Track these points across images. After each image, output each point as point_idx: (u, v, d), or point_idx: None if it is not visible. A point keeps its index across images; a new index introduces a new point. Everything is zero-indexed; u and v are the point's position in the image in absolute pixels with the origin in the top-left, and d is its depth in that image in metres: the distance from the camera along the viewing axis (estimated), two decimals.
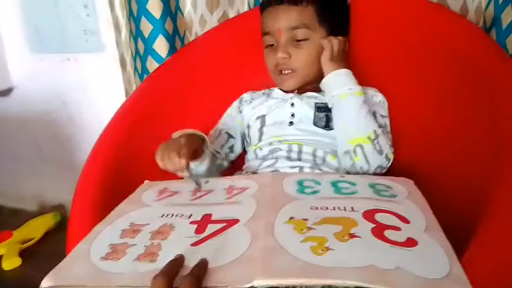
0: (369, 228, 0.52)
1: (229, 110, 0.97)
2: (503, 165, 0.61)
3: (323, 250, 0.47)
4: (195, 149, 0.76)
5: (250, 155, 0.90)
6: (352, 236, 0.50)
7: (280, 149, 0.83)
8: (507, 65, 0.73)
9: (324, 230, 0.52)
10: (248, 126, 0.92)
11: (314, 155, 0.82)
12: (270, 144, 0.85)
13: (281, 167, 0.81)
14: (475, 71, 0.76)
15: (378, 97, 0.87)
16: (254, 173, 0.83)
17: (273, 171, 0.80)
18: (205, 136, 0.80)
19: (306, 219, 0.55)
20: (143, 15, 1.06)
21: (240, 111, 0.95)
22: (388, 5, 0.92)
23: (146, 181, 0.78)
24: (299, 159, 0.82)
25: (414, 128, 0.86)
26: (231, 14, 1.13)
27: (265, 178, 0.72)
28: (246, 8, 1.11)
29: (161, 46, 1.08)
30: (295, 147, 0.83)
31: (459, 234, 0.55)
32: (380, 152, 0.78)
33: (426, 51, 0.85)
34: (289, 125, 0.86)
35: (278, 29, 0.84)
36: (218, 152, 0.91)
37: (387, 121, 0.86)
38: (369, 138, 0.78)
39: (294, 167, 0.79)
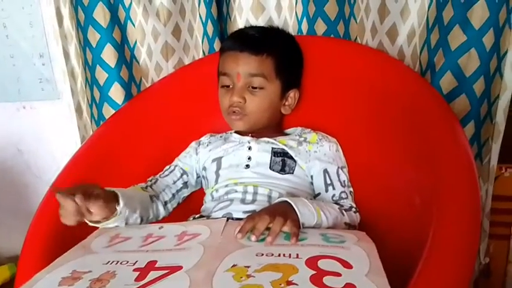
0: (308, 276, 0.53)
1: (187, 149, 0.98)
2: (438, 207, 0.64)
3: None
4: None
5: (207, 197, 0.90)
6: (289, 283, 0.51)
7: (236, 191, 0.84)
8: (440, 105, 0.78)
9: (263, 278, 0.52)
10: (204, 169, 0.93)
11: (270, 197, 0.83)
12: (226, 186, 0.86)
13: (234, 210, 0.81)
14: (412, 113, 0.80)
15: (333, 146, 0.91)
16: (208, 216, 0.84)
17: (226, 214, 0.81)
18: (118, 194, 0.76)
19: (248, 267, 0.56)
20: (98, 63, 1.08)
21: (197, 153, 0.96)
22: (333, 52, 0.97)
23: (100, 227, 0.76)
24: (254, 200, 0.83)
25: (360, 171, 0.89)
26: (186, 61, 1.16)
27: (219, 225, 0.73)
28: (201, 55, 1.14)
29: (116, 93, 1.10)
30: (250, 189, 0.84)
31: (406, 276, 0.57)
32: (353, 221, 0.82)
33: (369, 95, 0.89)
34: (246, 168, 0.87)
35: (237, 73, 0.87)
36: (169, 187, 0.91)
37: (345, 171, 0.89)
38: (345, 223, 0.80)
39: (248, 211, 0.80)
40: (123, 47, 1.10)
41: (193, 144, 0.98)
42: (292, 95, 0.92)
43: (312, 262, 0.56)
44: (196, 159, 0.95)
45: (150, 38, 1.11)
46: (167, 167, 0.95)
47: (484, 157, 0.93)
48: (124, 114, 1.03)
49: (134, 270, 0.58)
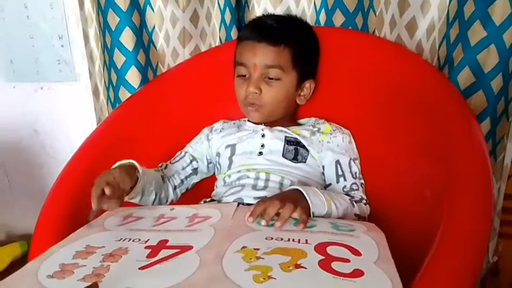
0: (317, 260, 0.54)
1: (198, 136, 0.99)
2: (450, 202, 0.64)
3: (264, 279, 0.49)
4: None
5: (219, 182, 0.92)
6: (298, 266, 0.52)
7: (248, 177, 0.85)
8: (457, 101, 0.77)
9: (272, 260, 0.53)
10: (218, 154, 0.94)
11: (281, 184, 0.84)
12: (239, 172, 0.87)
13: (245, 195, 0.82)
14: (429, 108, 0.79)
15: (346, 138, 0.91)
16: (219, 200, 0.85)
17: (237, 199, 0.82)
18: (138, 167, 0.80)
19: (257, 249, 0.57)
20: (117, 47, 1.09)
21: (209, 139, 0.97)
22: (352, 44, 0.97)
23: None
24: (266, 187, 0.83)
25: (372, 164, 0.89)
26: (203, 48, 1.16)
27: (230, 209, 0.74)
28: (217, 43, 1.14)
29: (133, 77, 1.10)
30: (263, 175, 0.85)
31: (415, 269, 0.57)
32: (363, 212, 0.82)
33: (385, 89, 0.89)
34: (259, 155, 0.88)
35: (254, 64, 0.87)
36: (178, 173, 0.93)
37: (357, 163, 0.89)
38: (355, 214, 0.80)
39: (258, 197, 0.80)
40: (141, 31, 1.10)
41: (205, 130, 0.99)
42: (308, 85, 0.93)
43: (321, 248, 0.57)
44: (207, 145, 0.96)
45: (168, 24, 1.11)
46: (179, 153, 0.96)
47: (498, 155, 0.93)
48: (140, 98, 1.04)
49: (146, 247, 0.60)
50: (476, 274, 0.58)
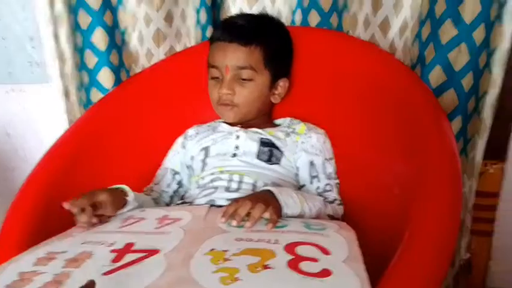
0: (285, 260, 0.53)
1: (173, 146, 0.98)
2: (419, 199, 0.64)
3: (231, 280, 0.48)
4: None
5: (192, 185, 0.91)
6: (266, 267, 0.51)
7: (221, 179, 0.85)
8: (429, 100, 0.78)
9: (240, 261, 0.53)
10: (192, 158, 0.93)
11: (255, 186, 0.83)
12: (212, 174, 0.86)
13: (218, 198, 0.81)
14: (401, 107, 0.80)
15: (321, 138, 0.90)
16: (191, 202, 0.84)
17: (209, 201, 0.81)
18: (127, 190, 0.78)
19: (226, 251, 0.56)
20: (88, 47, 1.07)
21: (184, 147, 0.96)
22: (325, 43, 0.97)
23: None
24: (239, 189, 0.83)
25: (347, 163, 0.89)
26: (178, 48, 1.15)
27: (201, 211, 0.73)
28: (193, 43, 1.13)
29: (105, 78, 1.08)
30: (236, 177, 0.84)
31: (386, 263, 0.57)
32: (336, 214, 0.82)
33: (359, 88, 0.89)
34: (232, 157, 0.87)
35: (226, 66, 0.86)
36: (165, 192, 0.93)
37: (332, 163, 0.89)
38: (328, 215, 0.81)
39: (231, 199, 0.79)
40: (114, 31, 1.09)
41: (179, 139, 0.98)
42: (282, 84, 0.92)
43: (290, 248, 0.57)
44: (183, 153, 0.95)
45: (142, 24, 1.10)
46: (159, 171, 0.95)
47: (470, 152, 0.94)
48: (112, 99, 1.02)
49: (112, 251, 0.58)
50: (444, 273, 0.59)
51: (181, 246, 0.59)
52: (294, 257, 0.54)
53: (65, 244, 0.63)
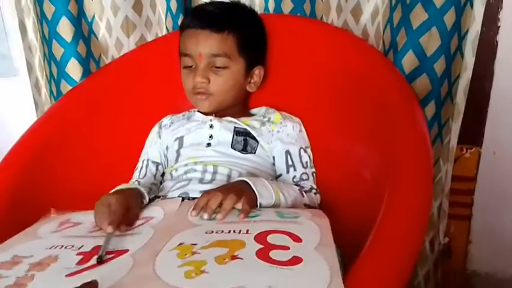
0: (255, 250, 0.52)
1: (149, 137, 0.95)
2: (391, 186, 0.63)
3: (196, 274, 0.47)
4: (125, 211, 0.68)
5: (166, 176, 0.89)
6: (234, 257, 0.50)
7: (195, 170, 0.83)
8: (401, 86, 0.77)
9: (208, 254, 0.52)
10: (167, 148, 0.91)
11: (229, 176, 0.82)
12: (186, 165, 0.85)
13: (192, 189, 0.80)
14: (374, 93, 0.79)
15: (297, 127, 0.89)
16: (165, 196, 0.82)
17: (182, 193, 0.79)
18: (140, 189, 0.76)
19: (194, 244, 0.55)
20: (54, 38, 1.03)
21: (159, 136, 0.94)
22: (299, 31, 0.95)
23: (52, 209, 0.76)
24: (213, 180, 0.81)
25: (322, 151, 0.89)
26: (149, 38, 1.12)
27: (173, 205, 0.72)
28: (164, 32, 1.10)
29: (74, 69, 1.05)
30: (210, 168, 0.82)
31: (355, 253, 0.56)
32: (312, 202, 0.81)
33: (333, 75, 0.88)
34: (207, 147, 0.86)
35: (199, 53, 0.84)
36: (154, 184, 0.90)
37: (309, 151, 0.88)
38: (304, 204, 0.79)
39: (205, 191, 0.78)
40: (80, 20, 1.05)
41: (155, 128, 0.95)
42: (257, 72, 0.91)
43: (261, 237, 0.56)
44: (159, 143, 0.93)
45: (109, 12, 1.06)
46: (139, 165, 0.93)
47: (445, 137, 0.94)
48: (81, 91, 0.99)
49: (78, 254, 0.57)
50: (413, 261, 0.58)
51: (148, 244, 0.58)
52: (264, 246, 0.53)
53: (32, 247, 0.61)
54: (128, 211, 0.69)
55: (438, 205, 0.99)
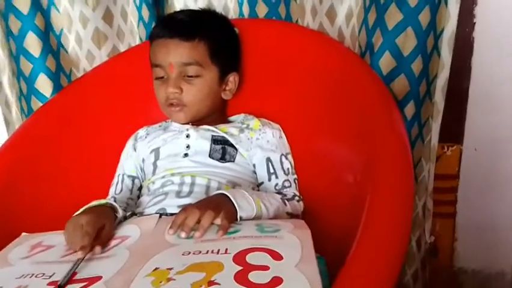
0: (233, 273, 0.50)
1: (124, 150, 0.93)
2: (372, 188, 0.62)
3: None
4: (98, 231, 0.66)
5: (143, 190, 0.87)
6: (211, 283, 0.48)
7: (172, 182, 0.81)
8: (376, 86, 0.76)
9: (184, 280, 0.49)
10: (143, 161, 0.89)
11: (208, 187, 0.80)
12: (163, 177, 0.82)
13: (169, 205, 0.77)
14: (351, 96, 0.79)
15: (277, 133, 0.87)
16: (142, 212, 0.79)
17: (160, 209, 0.77)
18: (113, 204, 0.73)
19: (170, 269, 0.52)
20: (22, 54, 1.00)
21: (135, 149, 0.91)
22: (274, 35, 0.94)
23: (23, 234, 0.73)
24: (191, 192, 0.79)
25: (303, 156, 0.87)
26: (122, 48, 1.09)
27: (150, 223, 0.69)
28: (137, 41, 1.07)
29: (44, 85, 1.02)
30: (188, 179, 0.80)
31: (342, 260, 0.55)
32: (295, 210, 0.79)
33: (310, 78, 0.87)
34: (184, 157, 0.83)
35: (170, 63, 0.82)
36: (131, 199, 0.87)
37: (290, 158, 0.87)
38: (287, 213, 0.78)
39: (183, 205, 0.74)
40: (48, 34, 1.02)
41: (130, 141, 0.93)
42: (232, 79, 0.88)
43: (240, 257, 0.54)
44: (135, 156, 0.90)
45: (78, 25, 1.03)
46: (115, 180, 0.90)
47: (425, 137, 0.93)
48: (52, 107, 0.96)
49: (49, 284, 0.54)
50: (401, 257, 0.57)
51: (123, 269, 0.55)
52: (242, 267, 0.51)
53: (1, 277, 0.58)
54: (102, 230, 0.66)
55: (422, 204, 0.98)
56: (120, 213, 0.73)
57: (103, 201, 0.73)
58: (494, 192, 1.02)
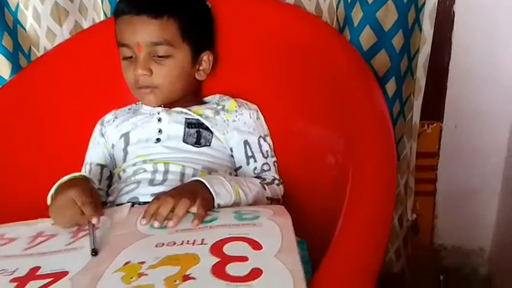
0: (210, 266, 0.47)
1: (92, 137, 0.87)
2: (352, 165, 0.60)
3: None
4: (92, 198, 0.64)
5: (114, 178, 0.82)
6: (186, 278, 0.45)
7: (145, 170, 0.76)
8: (355, 62, 0.73)
9: (157, 275, 0.46)
10: (113, 146, 0.84)
11: (183, 174, 0.75)
12: (134, 165, 0.78)
13: (142, 193, 0.73)
14: (330, 73, 0.75)
15: (254, 114, 0.84)
16: (113, 201, 0.75)
17: (132, 198, 0.73)
18: (87, 176, 0.70)
19: (142, 262, 0.49)
20: None
21: (102, 134, 0.86)
22: (248, 11, 0.89)
23: None
24: (164, 180, 0.74)
25: (281, 137, 0.84)
26: (85, 25, 1.02)
27: (121, 213, 0.65)
28: (102, 17, 1.00)
29: (1, 66, 0.95)
30: (161, 167, 0.76)
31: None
32: (275, 194, 0.77)
33: (288, 55, 0.83)
34: (156, 142, 0.79)
35: (137, 43, 0.76)
36: (100, 189, 0.82)
37: (268, 140, 0.83)
38: (267, 197, 0.74)
39: (156, 194, 0.71)
40: (2, 10, 0.94)
41: (97, 126, 0.87)
42: (206, 58, 0.83)
43: (217, 248, 0.50)
44: (103, 142, 0.85)
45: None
46: (83, 168, 0.85)
47: (407, 114, 0.91)
48: (11, 89, 0.90)
49: (12, 280, 0.51)
50: (384, 243, 0.57)
51: (90, 265, 0.52)
52: (220, 259, 0.48)
53: None
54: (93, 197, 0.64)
55: (404, 182, 0.97)
56: (96, 184, 0.72)
57: (76, 174, 0.68)
58: (474, 170, 1.01)
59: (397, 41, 0.81)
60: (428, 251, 1.10)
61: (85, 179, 0.68)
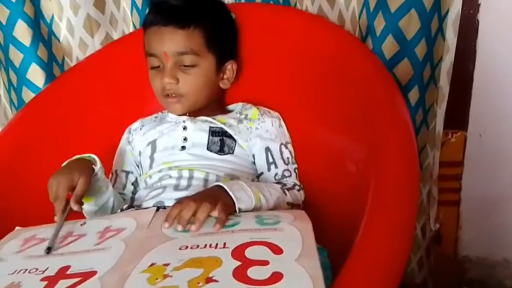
0: (232, 269, 0.48)
1: (119, 145, 0.90)
2: (374, 174, 0.60)
3: None
4: (73, 185, 0.69)
5: (141, 184, 0.84)
6: (209, 280, 0.46)
7: (170, 176, 0.78)
8: (378, 71, 0.73)
9: (181, 277, 0.47)
10: (140, 154, 0.86)
11: (206, 180, 0.77)
12: (160, 171, 0.80)
13: (167, 198, 0.75)
14: (353, 82, 0.75)
15: (276, 122, 0.85)
16: (140, 205, 0.77)
17: (157, 203, 0.75)
18: (93, 157, 0.74)
19: (167, 264, 0.50)
20: (11, 43, 0.97)
21: (129, 142, 0.89)
22: (271, 21, 0.91)
23: (16, 228, 0.71)
24: (189, 186, 0.76)
25: (304, 145, 0.85)
26: (115, 36, 1.06)
27: (147, 216, 0.67)
28: (131, 29, 1.05)
29: (35, 75, 0.99)
30: (185, 173, 0.78)
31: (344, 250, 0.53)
32: (296, 200, 0.78)
33: (310, 64, 0.84)
34: (181, 150, 0.81)
35: (164, 53, 0.79)
36: (124, 194, 0.85)
37: (290, 147, 0.85)
38: (288, 203, 0.76)
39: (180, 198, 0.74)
40: (38, 22, 0.99)
41: (125, 135, 0.90)
42: (230, 67, 0.86)
43: (239, 251, 0.51)
44: (130, 150, 0.88)
45: (69, 11, 1.00)
46: (110, 175, 0.88)
47: (430, 123, 0.91)
48: (46, 97, 0.94)
49: (43, 279, 0.53)
50: (408, 248, 0.55)
51: (118, 264, 0.53)
52: (241, 262, 0.49)
53: None
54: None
55: (427, 192, 0.97)
56: (98, 165, 0.73)
57: (85, 155, 0.74)
58: (499, 179, 0.99)
59: (420, 49, 0.82)
60: (451, 262, 1.08)
61: (87, 160, 0.73)
